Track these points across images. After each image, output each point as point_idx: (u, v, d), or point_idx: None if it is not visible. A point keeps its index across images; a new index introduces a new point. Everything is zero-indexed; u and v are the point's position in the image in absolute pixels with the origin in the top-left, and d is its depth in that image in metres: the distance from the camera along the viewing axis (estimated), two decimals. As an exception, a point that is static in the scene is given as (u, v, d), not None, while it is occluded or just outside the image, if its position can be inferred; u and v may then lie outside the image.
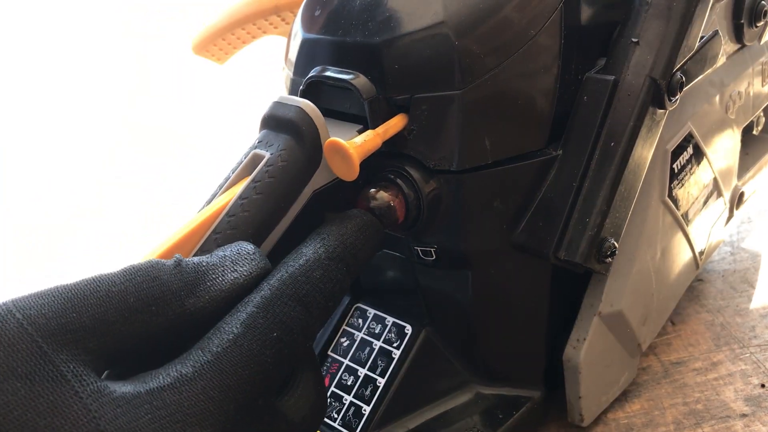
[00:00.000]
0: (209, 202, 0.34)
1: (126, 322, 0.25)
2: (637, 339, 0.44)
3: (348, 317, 0.44)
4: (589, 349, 0.40)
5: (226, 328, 0.26)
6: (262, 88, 1.14)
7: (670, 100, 0.38)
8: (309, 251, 0.29)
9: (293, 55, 0.40)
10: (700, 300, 0.52)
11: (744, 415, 0.42)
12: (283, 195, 0.33)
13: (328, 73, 0.37)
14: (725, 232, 0.53)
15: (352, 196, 0.36)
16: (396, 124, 0.35)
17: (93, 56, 1.58)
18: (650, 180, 0.40)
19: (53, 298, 0.24)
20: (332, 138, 0.33)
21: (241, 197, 0.33)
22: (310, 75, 0.37)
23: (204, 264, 0.28)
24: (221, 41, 0.50)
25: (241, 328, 0.26)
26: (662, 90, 0.37)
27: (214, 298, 0.27)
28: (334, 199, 0.35)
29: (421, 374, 0.41)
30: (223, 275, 0.28)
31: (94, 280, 0.25)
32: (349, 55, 0.36)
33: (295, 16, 0.48)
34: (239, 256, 0.29)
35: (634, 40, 0.37)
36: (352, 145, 0.33)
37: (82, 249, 0.83)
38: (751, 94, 0.50)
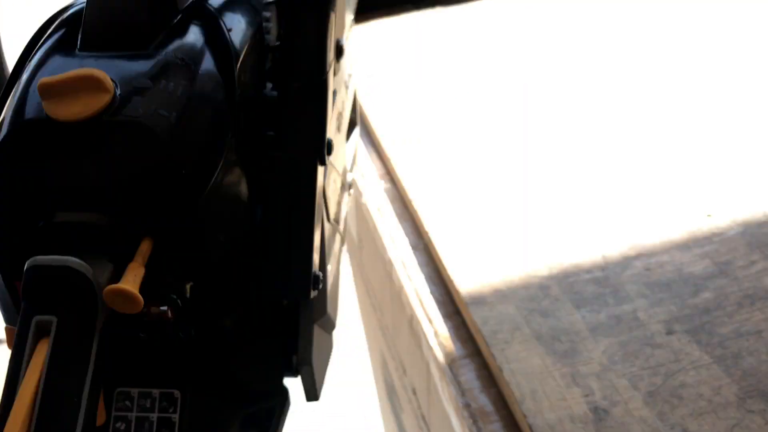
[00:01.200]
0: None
1: None
2: (333, 321, 0.58)
3: (114, 404, 0.48)
4: (315, 350, 0.53)
5: None
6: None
7: (328, 157, 0.50)
8: None
9: None
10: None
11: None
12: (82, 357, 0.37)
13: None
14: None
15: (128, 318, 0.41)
16: (147, 249, 0.41)
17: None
18: (322, 212, 0.53)
19: None
20: (112, 285, 0.37)
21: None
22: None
23: None
24: None
25: None
26: (323, 156, 0.49)
27: None
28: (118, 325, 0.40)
29: (204, 423, 0.49)
30: None
31: None
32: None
33: None
34: None
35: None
36: (133, 285, 0.38)
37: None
38: (345, 105, 0.65)
